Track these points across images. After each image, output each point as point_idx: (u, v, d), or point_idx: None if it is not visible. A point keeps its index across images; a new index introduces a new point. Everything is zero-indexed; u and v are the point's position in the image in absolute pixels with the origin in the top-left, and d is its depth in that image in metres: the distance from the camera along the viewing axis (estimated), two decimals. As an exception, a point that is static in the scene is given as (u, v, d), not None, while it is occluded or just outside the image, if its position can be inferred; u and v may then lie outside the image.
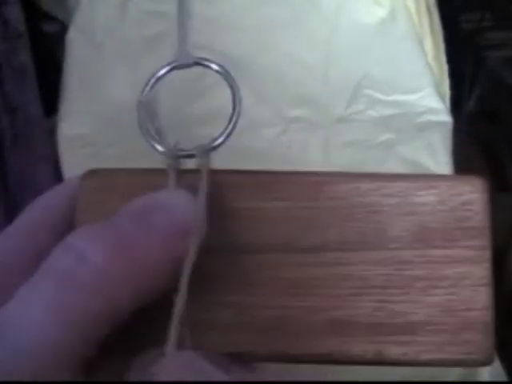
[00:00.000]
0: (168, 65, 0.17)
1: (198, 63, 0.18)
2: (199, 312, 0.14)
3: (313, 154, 0.61)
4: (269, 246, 0.13)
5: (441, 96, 0.65)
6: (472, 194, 0.14)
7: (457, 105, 0.69)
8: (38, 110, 0.62)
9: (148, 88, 0.17)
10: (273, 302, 0.13)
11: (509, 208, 0.68)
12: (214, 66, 0.17)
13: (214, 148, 0.16)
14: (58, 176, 0.60)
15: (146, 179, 0.15)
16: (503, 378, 0.49)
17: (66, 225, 0.16)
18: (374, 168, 0.60)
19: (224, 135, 0.17)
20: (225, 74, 0.17)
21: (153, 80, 0.17)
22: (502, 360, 0.49)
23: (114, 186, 0.15)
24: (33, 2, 0.68)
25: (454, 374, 0.49)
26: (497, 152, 0.75)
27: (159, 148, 0.16)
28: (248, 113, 0.64)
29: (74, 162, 0.59)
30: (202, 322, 0.14)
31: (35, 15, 0.67)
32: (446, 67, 0.68)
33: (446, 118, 0.63)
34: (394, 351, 0.14)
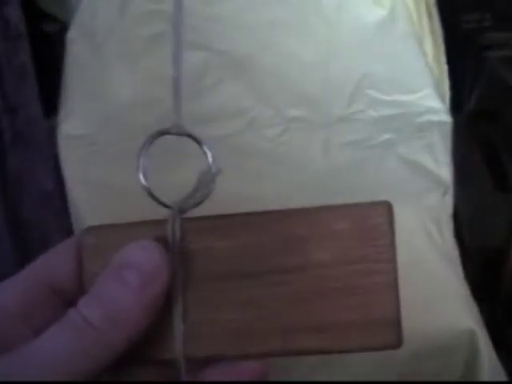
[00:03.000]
0: (160, 133, 0.19)
1: (189, 136, 0.20)
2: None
3: (313, 154, 0.61)
4: (224, 274, 0.19)
5: (441, 96, 0.65)
6: (379, 217, 0.18)
7: (457, 105, 0.69)
8: (38, 110, 0.62)
9: (143, 153, 0.19)
10: (233, 316, 0.19)
11: (509, 208, 0.68)
12: (203, 144, 0.20)
13: (185, 212, 0.19)
14: (58, 176, 0.60)
15: (135, 232, 0.19)
16: (503, 377, 0.49)
17: (64, 279, 0.21)
18: (374, 168, 0.60)
19: (195, 201, 0.20)
20: (205, 150, 0.20)
21: (146, 145, 0.19)
22: (502, 359, 0.49)
23: (109, 241, 0.19)
24: (33, 2, 0.68)
25: (454, 373, 0.49)
26: (497, 152, 0.75)
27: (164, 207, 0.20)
28: (248, 112, 0.64)
29: (73, 162, 0.59)
30: (185, 334, 0.19)
31: (35, 15, 0.67)
32: (445, 67, 0.67)
33: (446, 117, 0.63)
34: (324, 345, 0.18)
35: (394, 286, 0.18)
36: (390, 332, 0.18)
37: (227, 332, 0.18)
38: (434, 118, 0.63)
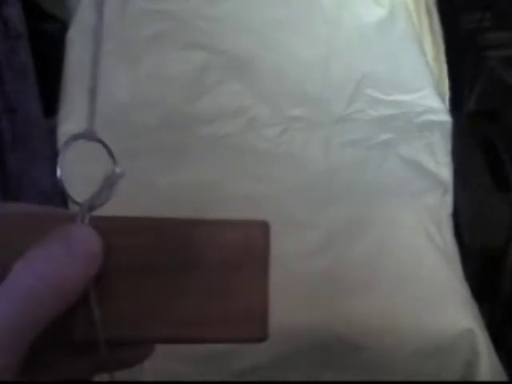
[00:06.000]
0: (75, 138, 0.22)
1: (99, 141, 0.22)
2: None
3: (313, 153, 0.61)
4: (124, 268, 0.21)
5: (440, 96, 0.65)
6: (256, 233, 0.22)
7: (457, 105, 0.69)
8: (37, 110, 0.62)
9: (62, 155, 0.21)
10: (129, 305, 0.22)
11: (509, 208, 0.68)
12: (109, 148, 0.22)
13: (93, 209, 0.21)
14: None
15: (48, 223, 0.21)
16: (503, 377, 0.49)
17: None
18: (374, 168, 0.60)
19: (101, 201, 0.21)
20: (109, 151, 0.22)
21: (64, 148, 0.21)
22: (502, 359, 0.49)
23: (20, 230, 0.21)
24: (33, 2, 0.68)
25: (454, 373, 0.49)
26: (497, 152, 0.75)
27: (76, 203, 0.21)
28: (249, 112, 0.64)
29: (73, 162, 0.59)
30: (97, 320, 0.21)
31: (35, 15, 0.67)
32: (445, 67, 0.67)
33: (446, 117, 0.63)
34: (201, 335, 0.22)
35: (264, 289, 0.22)
36: (258, 327, 0.22)
37: (125, 319, 0.22)
38: (434, 117, 0.63)
